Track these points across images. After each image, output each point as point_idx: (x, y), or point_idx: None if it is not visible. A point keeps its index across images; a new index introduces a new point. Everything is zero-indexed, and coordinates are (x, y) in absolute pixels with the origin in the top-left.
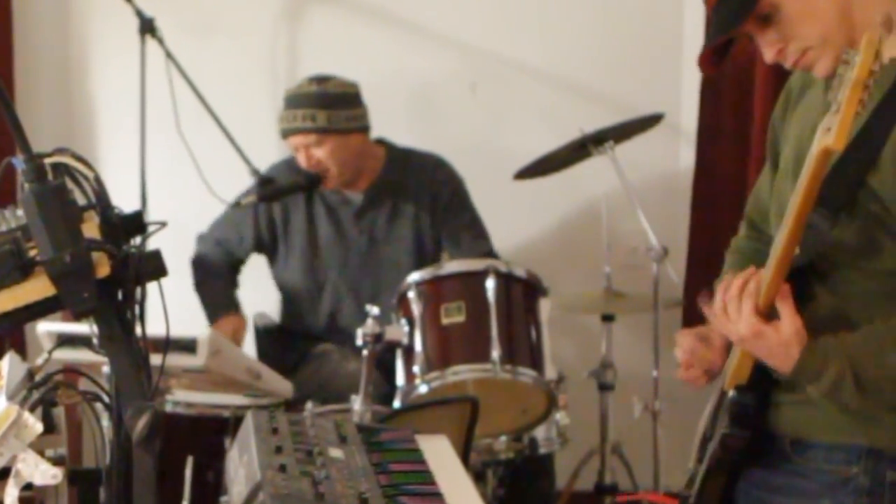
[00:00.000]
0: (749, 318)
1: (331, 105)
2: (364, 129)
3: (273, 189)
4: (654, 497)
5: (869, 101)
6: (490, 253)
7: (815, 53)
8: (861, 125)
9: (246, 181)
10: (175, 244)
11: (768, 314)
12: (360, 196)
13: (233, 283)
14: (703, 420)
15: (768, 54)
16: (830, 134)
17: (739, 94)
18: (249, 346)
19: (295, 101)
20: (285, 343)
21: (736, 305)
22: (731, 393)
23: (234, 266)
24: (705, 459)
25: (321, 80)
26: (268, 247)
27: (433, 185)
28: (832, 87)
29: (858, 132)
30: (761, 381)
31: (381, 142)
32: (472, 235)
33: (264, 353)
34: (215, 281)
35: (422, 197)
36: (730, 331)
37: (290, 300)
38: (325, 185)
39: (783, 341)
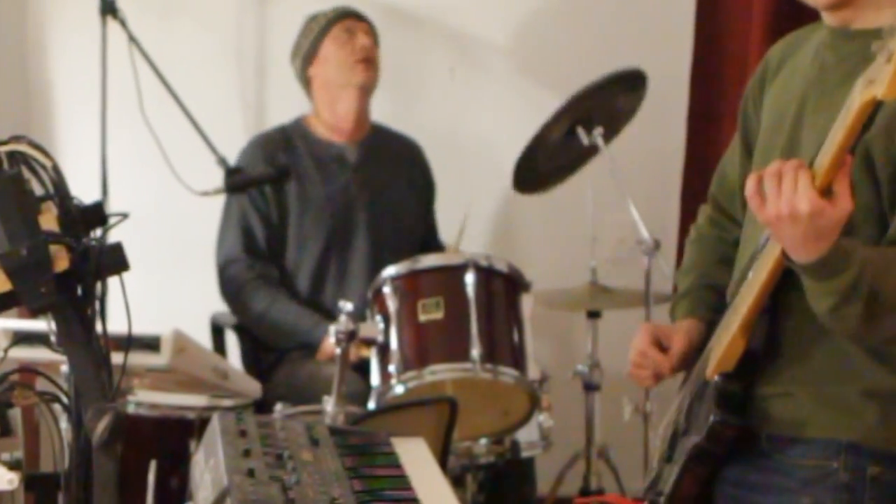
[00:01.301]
0: (810, 193)
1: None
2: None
3: (241, 179)
4: (617, 500)
5: (855, 69)
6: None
7: None
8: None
9: (213, 170)
10: (138, 236)
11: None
12: (355, 150)
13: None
14: (668, 420)
15: None
16: (878, 84)
17: (732, 73)
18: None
19: (348, 8)
20: (258, 346)
21: (793, 177)
22: (716, 379)
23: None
24: (678, 456)
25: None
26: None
27: (424, 169)
28: (883, 35)
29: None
30: (745, 371)
31: None
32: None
33: (223, 352)
34: (265, 313)
35: (415, 174)
36: (775, 206)
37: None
38: (368, 83)
39: (837, 222)
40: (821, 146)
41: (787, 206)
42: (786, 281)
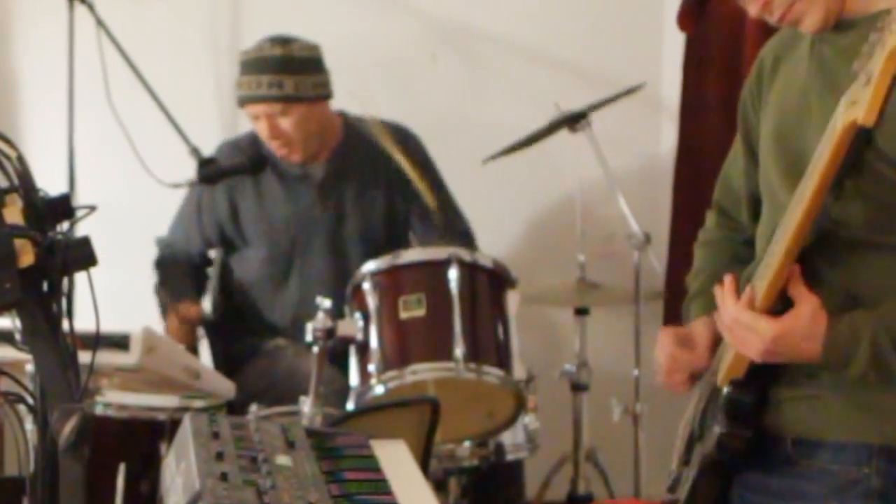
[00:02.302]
0: (761, 327)
1: (298, 70)
2: (329, 96)
3: (214, 170)
4: None
5: (854, 59)
6: (467, 233)
7: (804, 6)
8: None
9: (185, 161)
10: (106, 230)
11: (779, 308)
12: (321, 168)
13: (193, 276)
14: (686, 419)
15: (753, 8)
16: (858, 107)
17: (726, 63)
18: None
19: (257, 65)
20: (229, 340)
21: (742, 325)
22: (726, 389)
23: (194, 268)
24: (694, 461)
25: (284, 41)
26: (218, 243)
27: (409, 158)
28: (861, 55)
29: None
30: (759, 376)
31: (337, 113)
32: (448, 216)
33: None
34: (171, 280)
35: (391, 168)
36: (750, 351)
37: (244, 293)
38: (289, 159)
39: (805, 328)
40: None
41: (755, 350)
42: (806, 275)
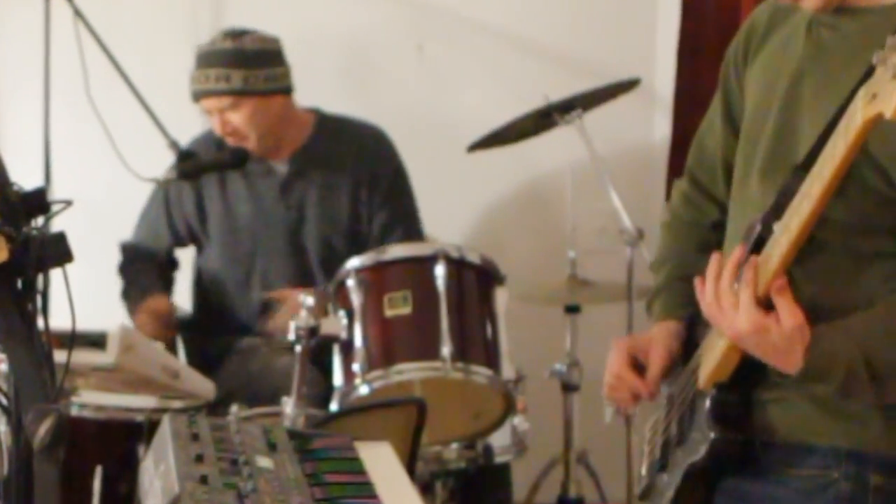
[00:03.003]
0: (749, 311)
1: (247, 63)
2: (286, 90)
3: (194, 165)
4: None
5: (860, 50)
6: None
7: None
8: (857, 77)
9: (164, 154)
10: (82, 226)
11: (766, 305)
12: (285, 165)
13: (159, 274)
14: (656, 422)
15: None
16: (883, 101)
17: (721, 54)
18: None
19: (207, 58)
20: (203, 338)
21: (731, 297)
22: (711, 393)
23: (160, 269)
24: (675, 467)
25: (236, 34)
26: (188, 239)
27: (374, 162)
28: (886, 47)
29: (858, 83)
30: (744, 378)
31: (310, 110)
32: (404, 230)
33: (174, 349)
34: (137, 278)
35: (361, 171)
36: (722, 325)
37: (214, 291)
38: (238, 144)
39: (786, 336)
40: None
41: (731, 329)
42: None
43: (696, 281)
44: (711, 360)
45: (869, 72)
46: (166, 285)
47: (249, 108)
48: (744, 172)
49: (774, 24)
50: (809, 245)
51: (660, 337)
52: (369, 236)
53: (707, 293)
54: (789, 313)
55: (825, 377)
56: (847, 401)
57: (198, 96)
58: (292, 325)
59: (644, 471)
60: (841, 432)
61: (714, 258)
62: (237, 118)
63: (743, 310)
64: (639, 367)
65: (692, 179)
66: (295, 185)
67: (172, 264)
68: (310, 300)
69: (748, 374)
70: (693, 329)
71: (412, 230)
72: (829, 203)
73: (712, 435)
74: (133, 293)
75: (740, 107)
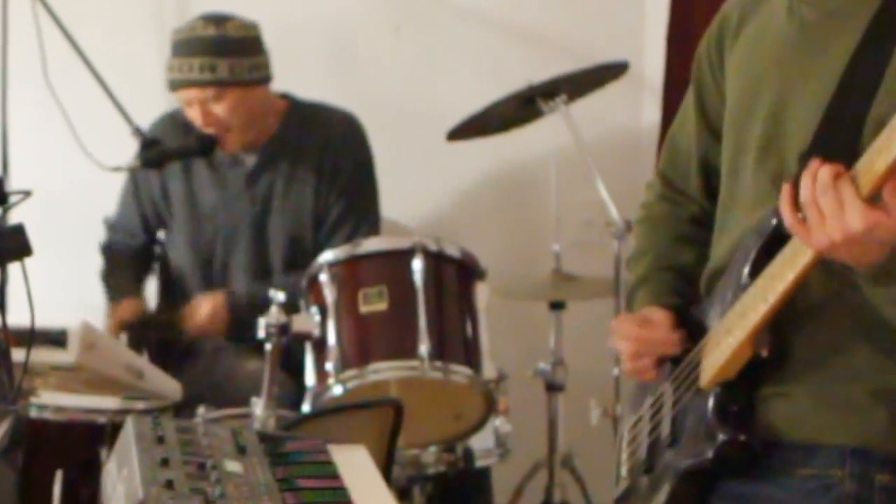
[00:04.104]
0: (860, 206)
1: (232, 52)
2: (268, 79)
3: (159, 153)
4: None
5: (847, 24)
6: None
7: None
8: (846, 53)
9: (128, 142)
10: (42, 217)
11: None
12: (253, 156)
13: (135, 272)
14: (641, 421)
15: None
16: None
17: None
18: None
19: (188, 46)
20: (167, 336)
21: (834, 196)
22: (715, 392)
23: (139, 252)
24: (666, 470)
25: (218, 20)
26: (156, 225)
27: (339, 150)
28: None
29: (851, 59)
30: (749, 376)
31: (283, 96)
32: (353, 227)
33: (138, 347)
34: (115, 270)
35: (324, 160)
36: (825, 230)
37: (177, 282)
38: (223, 148)
39: (894, 230)
40: (815, 115)
41: (839, 230)
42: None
43: (785, 186)
44: (718, 357)
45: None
46: (140, 280)
47: (233, 99)
48: (734, 164)
49: (748, 13)
50: None
51: (653, 308)
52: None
53: (806, 199)
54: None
55: None
56: None
57: (177, 86)
58: (261, 322)
59: (624, 472)
60: (845, 428)
61: (812, 164)
62: (220, 109)
63: (850, 208)
64: None
65: (666, 181)
66: (261, 177)
67: (149, 249)
68: (280, 296)
69: (752, 371)
70: (680, 319)
71: (361, 229)
72: None
73: (721, 437)
74: (106, 288)
75: (716, 102)
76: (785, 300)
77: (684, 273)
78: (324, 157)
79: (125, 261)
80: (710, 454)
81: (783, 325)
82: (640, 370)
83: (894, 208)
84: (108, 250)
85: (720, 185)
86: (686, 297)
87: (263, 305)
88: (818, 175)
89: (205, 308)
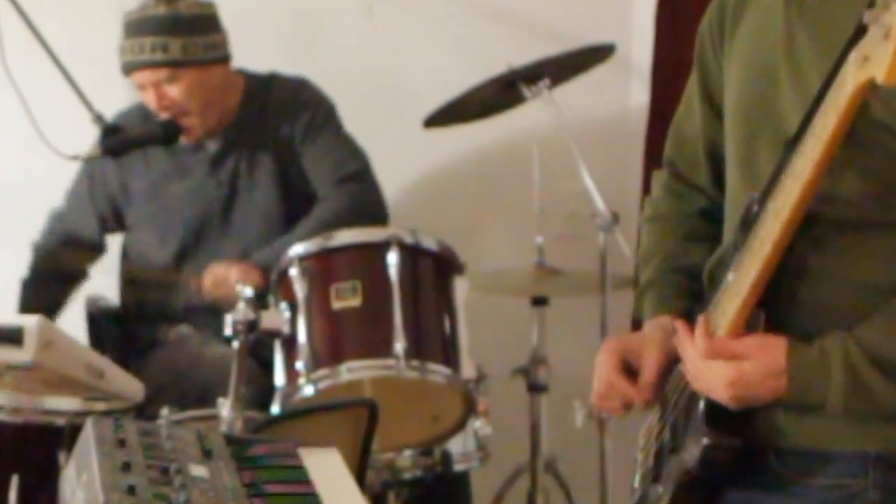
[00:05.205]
0: (714, 371)
1: (185, 30)
2: (226, 58)
3: (121, 140)
4: None
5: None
6: (360, 173)
7: None
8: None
9: (88, 129)
10: None
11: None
12: (216, 139)
13: (62, 287)
14: (651, 427)
15: None
16: (874, 64)
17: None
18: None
19: (139, 26)
20: (128, 329)
21: (704, 371)
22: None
23: (79, 258)
24: (669, 477)
25: None
26: (112, 221)
27: (294, 112)
28: (878, 1)
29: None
30: None
31: (238, 73)
32: (336, 159)
33: (101, 344)
34: (41, 279)
35: (282, 128)
36: (720, 399)
37: (143, 278)
38: (187, 135)
39: (761, 362)
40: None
41: (718, 396)
42: (786, 264)
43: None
44: None
45: (859, 31)
46: (60, 302)
47: (189, 80)
48: (746, 151)
49: (746, 1)
50: (822, 226)
51: (653, 336)
52: (307, 202)
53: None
54: (749, 341)
55: (824, 388)
56: (865, 404)
57: (130, 69)
58: (228, 319)
59: (637, 482)
60: (866, 435)
61: (680, 328)
62: (175, 91)
63: (714, 375)
64: (631, 371)
65: (672, 170)
66: (225, 160)
67: (96, 250)
68: (248, 291)
69: None
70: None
71: (344, 155)
72: (839, 173)
73: (705, 441)
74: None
75: (720, 85)
76: (756, 293)
77: (695, 273)
78: (282, 123)
79: (55, 271)
80: (695, 459)
81: (791, 327)
82: (606, 409)
83: (754, 349)
84: (43, 251)
85: (726, 174)
86: (698, 297)
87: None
88: (686, 362)
89: (231, 270)
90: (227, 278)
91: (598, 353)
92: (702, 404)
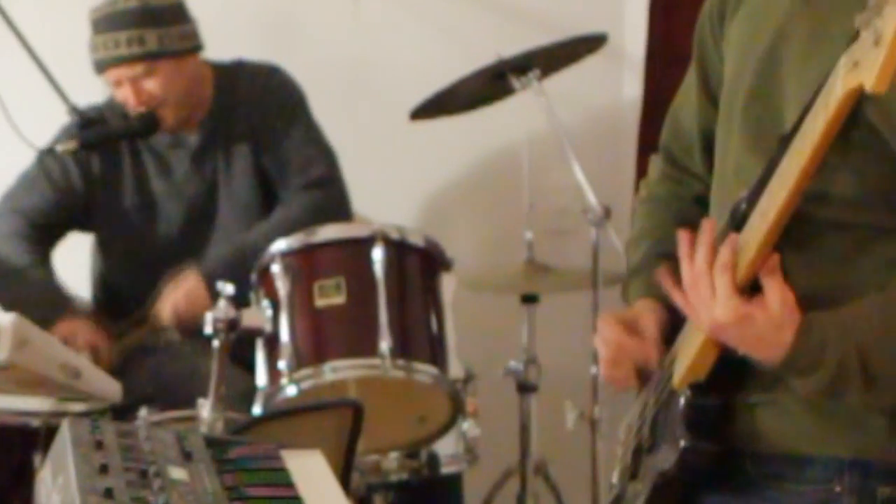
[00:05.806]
0: (729, 298)
1: (159, 22)
2: (199, 48)
3: (98, 133)
4: None
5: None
6: (325, 179)
7: None
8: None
9: (63, 121)
10: None
11: (745, 291)
12: (195, 133)
13: (50, 270)
14: (630, 424)
15: None
16: (863, 70)
17: (698, 7)
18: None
19: (111, 21)
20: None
21: (707, 283)
22: (685, 394)
23: (41, 241)
24: (645, 476)
25: None
26: (81, 213)
27: (264, 99)
28: (869, 5)
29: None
30: (723, 378)
31: (205, 63)
32: (303, 160)
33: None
34: (23, 270)
35: (253, 116)
36: (700, 316)
37: (119, 280)
38: (162, 126)
39: (774, 323)
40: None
41: (707, 322)
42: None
43: (661, 270)
44: (687, 355)
45: (854, 36)
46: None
47: (166, 72)
48: (724, 146)
49: None
50: (806, 224)
51: (645, 310)
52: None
53: (684, 279)
54: (779, 296)
55: (813, 370)
56: (832, 400)
57: (105, 66)
58: (209, 317)
59: (615, 478)
60: (841, 439)
61: (683, 237)
62: (153, 85)
63: (720, 298)
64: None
65: (668, 157)
66: (206, 154)
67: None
68: (229, 288)
69: (729, 373)
70: (676, 316)
71: (308, 157)
72: (828, 173)
73: (682, 443)
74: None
75: (719, 73)
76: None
77: None
78: (252, 112)
79: (22, 255)
80: (672, 461)
81: None
82: (617, 379)
83: (772, 300)
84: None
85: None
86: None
87: (248, 256)
88: (696, 260)
89: (179, 293)
90: (178, 308)
91: (589, 351)
92: (681, 402)
